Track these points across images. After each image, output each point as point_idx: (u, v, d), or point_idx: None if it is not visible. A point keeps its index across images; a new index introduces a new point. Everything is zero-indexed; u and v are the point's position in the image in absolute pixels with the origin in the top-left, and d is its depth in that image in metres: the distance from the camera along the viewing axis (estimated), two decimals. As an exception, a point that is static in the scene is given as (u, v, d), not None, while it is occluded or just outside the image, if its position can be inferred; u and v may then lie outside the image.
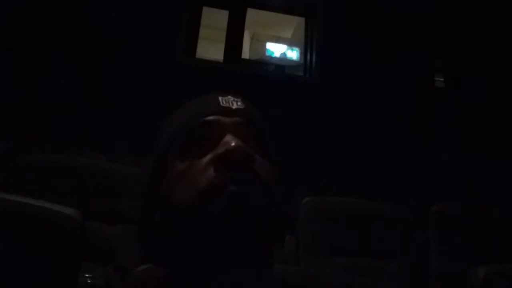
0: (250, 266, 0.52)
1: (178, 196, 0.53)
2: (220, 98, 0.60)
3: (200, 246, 0.51)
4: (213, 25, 4.45)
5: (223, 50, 4.00)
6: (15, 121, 2.95)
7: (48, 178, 1.37)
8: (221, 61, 3.99)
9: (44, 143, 2.44)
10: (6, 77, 3.11)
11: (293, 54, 4.97)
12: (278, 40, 5.42)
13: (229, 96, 0.61)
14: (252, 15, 4.31)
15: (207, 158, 0.53)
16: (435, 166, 3.53)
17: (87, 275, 1.01)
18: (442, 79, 3.95)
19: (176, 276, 0.57)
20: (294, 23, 5.09)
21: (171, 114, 0.63)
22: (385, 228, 1.85)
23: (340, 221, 1.81)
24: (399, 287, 1.65)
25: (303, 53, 4.24)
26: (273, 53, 5.10)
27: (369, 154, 3.49)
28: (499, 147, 3.56)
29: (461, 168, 3.49)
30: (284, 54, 5.07)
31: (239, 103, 0.60)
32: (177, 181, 0.54)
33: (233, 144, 0.52)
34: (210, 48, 4.49)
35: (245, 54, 4.71)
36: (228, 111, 0.58)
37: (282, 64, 4.88)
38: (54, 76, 3.25)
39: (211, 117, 0.57)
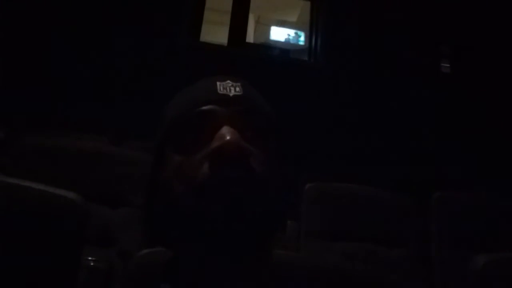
0: (246, 257, 0.52)
1: (175, 190, 0.53)
2: (218, 83, 0.58)
3: (198, 237, 0.51)
4: (217, 8, 4.40)
5: (227, 33, 3.96)
6: (17, 104, 2.95)
7: (50, 161, 1.37)
8: (225, 44, 3.96)
9: (46, 126, 2.44)
10: (7, 61, 3.10)
11: (298, 38, 4.93)
12: (283, 24, 5.37)
13: (228, 81, 0.58)
14: (257, -2, 4.27)
15: (202, 152, 0.52)
16: (439, 152, 3.51)
17: (90, 258, 1.02)
18: (448, 65, 3.91)
19: (178, 260, 0.58)
20: (299, 7, 5.03)
21: (172, 98, 0.62)
22: (386, 214, 1.86)
23: (343, 207, 1.82)
24: (399, 274, 1.66)
25: (308, 37, 4.20)
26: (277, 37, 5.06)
27: (373, 140, 3.47)
28: (504, 135, 3.54)
29: (465, 155, 3.48)
30: (289, 38, 5.03)
31: (237, 89, 0.57)
32: (173, 174, 0.53)
33: (227, 138, 0.50)
34: (214, 31, 4.45)
35: (250, 37, 4.67)
36: (225, 99, 0.56)
37: (286, 48, 4.84)
38: (55, 58, 3.23)
39: (206, 107, 0.55)
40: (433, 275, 1.74)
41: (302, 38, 4.83)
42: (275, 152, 0.56)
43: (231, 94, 0.57)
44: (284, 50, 4.80)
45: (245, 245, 0.50)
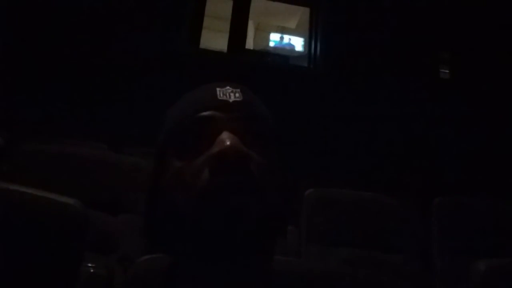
0: (248, 263, 0.52)
1: (175, 196, 0.53)
2: (218, 90, 0.58)
3: (198, 243, 0.51)
4: (217, 15, 4.43)
5: (227, 40, 3.98)
6: (18, 111, 2.95)
7: (50, 168, 1.37)
8: (225, 51, 3.98)
9: (46, 133, 2.44)
10: (8, 68, 3.11)
11: (297, 45, 4.94)
12: (282, 30, 5.39)
13: (228, 87, 0.58)
14: (257, 5, 4.28)
15: (203, 158, 0.52)
16: (439, 158, 3.51)
17: (90, 265, 1.02)
18: (447, 71, 3.92)
19: (178, 267, 0.57)
20: (299, 13, 5.05)
21: (172, 105, 0.63)
22: (387, 220, 1.85)
23: (343, 213, 1.81)
24: (400, 279, 1.66)
25: (308, 44, 4.22)
26: (277, 42, 5.08)
27: (372, 146, 3.48)
28: (504, 139, 3.54)
29: (465, 160, 3.48)
30: (288, 44, 5.04)
31: (237, 95, 0.57)
32: (174, 180, 0.53)
33: (227, 143, 0.50)
34: (214, 38, 4.47)
35: (249, 44, 4.68)
36: (225, 105, 0.56)
37: (286, 55, 4.86)
38: (55, 64, 3.24)
39: (206, 113, 0.55)
40: (434, 280, 1.73)
41: (301, 44, 4.84)
42: (275, 158, 0.56)
43: (230, 100, 0.57)
44: (284, 56, 4.81)
45: (246, 250, 0.50)
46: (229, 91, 0.58)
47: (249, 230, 0.49)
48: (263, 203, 0.50)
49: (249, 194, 0.50)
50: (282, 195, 0.55)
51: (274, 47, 5.05)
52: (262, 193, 0.51)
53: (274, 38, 5.13)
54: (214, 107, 0.56)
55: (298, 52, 4.85)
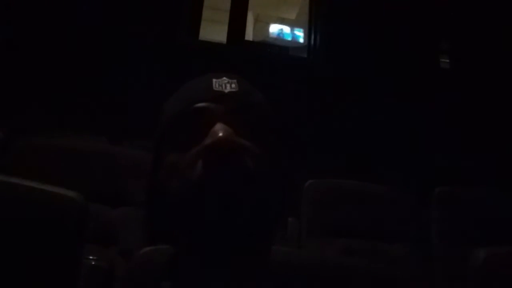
0: (246, 254, 0.52)
1: (171, 188, 0.53)
2: (214, 80, 0.57)
3: (196, 234, 0.51)
4: (216, 7, 4.40)
5: (226, 31, 3.96)
6: (16, 105, 2.95)
7: (50, 161, 1.38)
8: (224, 42, 3.96)
9: (46, 126, 2.44)
10: (6, 62, 3.10)
11: (297, 36, 4.92)
12: (282, 21, 5.36)
13: (224, 78, 0.58)
14: (256, -4, 4.26)
15: (196, 149, 0.52)
16: (438, 148, 3.51)
17: (91, 257, 1.03)
18: (447, 61, 3.90)
19: (178, 259, 0.58)
20: (298, 4, 5.03)
21: (170, 97, 0.62)
22: (387, 210, 1.86)
23: (343, 203, 1.82)
24: (401, 269, 1.67)
25: (307, 35, 4.19)
26: (276, 34, 5.06)
27: (372, 136, 3.47)
28: (504, 130, 3.54)
29: (465, 150, 3.48)
30: (288, 35, 5.02)
31: (233, 86, 0.57)
32: (169, 172, 0.53)
33: (220, 134, 0.50)
34: (213, 29, 4.45)
35: (249, 35, 4.66)
36: (220, 96, 0.55)
37: (286, 46, 4.84)
38: (55, 58, 3.23)
39: (201, 104, 0.55)
40: (435, 270, 1.74)
41: (301, 35, 4.82)
42: (273, 148, 0.56)
43: (226, 91, 0.56)
44: (283, 47, 4.79)
45: (243, 242, 0.50)
46: (225, 81, 0.57)
47: (245, 221, 0.49)
48: (258, 194, 0.50)
49: (244, 185, 0.49)
50: (281, 186, 0.55)
51: (274, 38, 5.03)
52: (258, 185, 0.51)
53: (274, 29, 5.11)
54: (209, 99, 0.55)
55: (298, 43, 4.83)
